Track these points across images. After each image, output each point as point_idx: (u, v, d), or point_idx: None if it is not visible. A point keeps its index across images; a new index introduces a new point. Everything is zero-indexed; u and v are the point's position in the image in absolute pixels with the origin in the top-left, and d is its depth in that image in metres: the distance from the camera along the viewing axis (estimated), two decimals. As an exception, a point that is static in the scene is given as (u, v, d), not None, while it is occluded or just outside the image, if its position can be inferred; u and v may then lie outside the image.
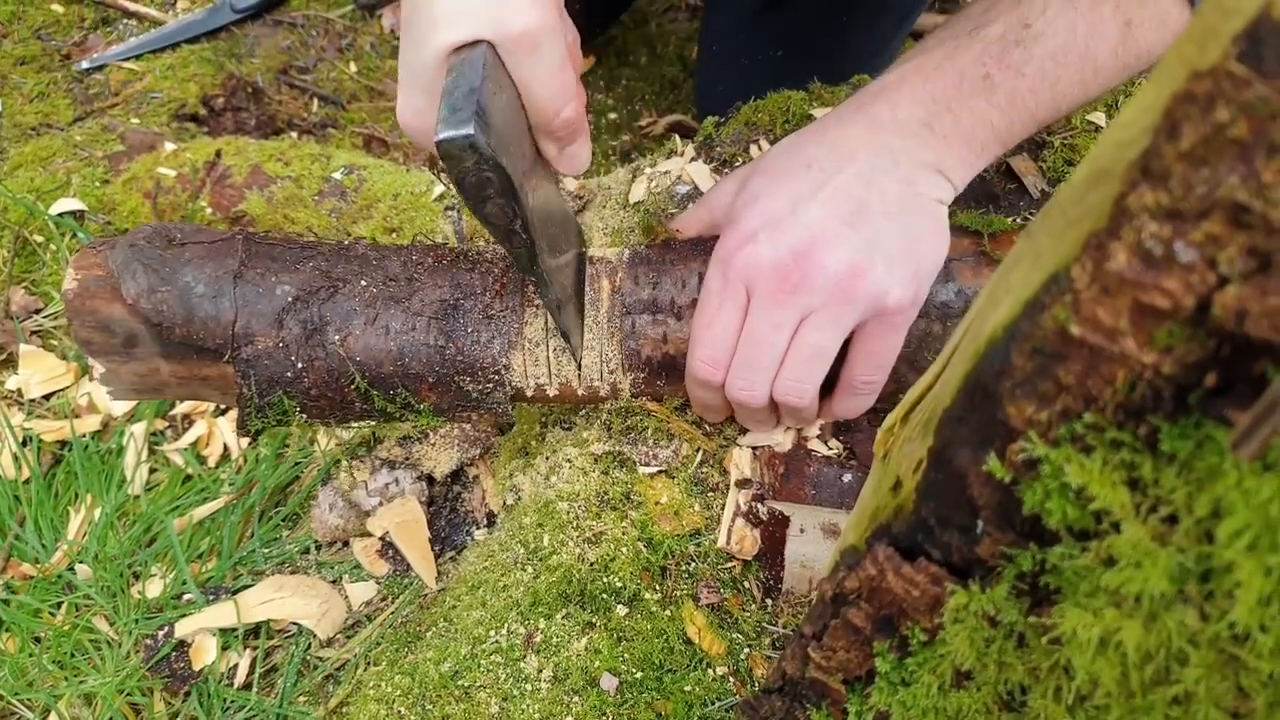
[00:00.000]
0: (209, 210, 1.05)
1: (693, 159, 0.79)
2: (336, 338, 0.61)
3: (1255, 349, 0.21)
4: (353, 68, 1.46)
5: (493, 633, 0.67)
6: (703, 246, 0.64)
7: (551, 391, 0.65)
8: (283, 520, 0.91)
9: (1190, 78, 0.20)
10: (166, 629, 0.83)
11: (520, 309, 0.63)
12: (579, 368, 0.64)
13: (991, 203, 0.74)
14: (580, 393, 0.65)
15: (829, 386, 0.61)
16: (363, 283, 0.62)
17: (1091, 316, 0.23)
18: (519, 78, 0.51)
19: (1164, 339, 0.22)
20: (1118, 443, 0.25)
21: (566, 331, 0.63)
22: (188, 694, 0.80)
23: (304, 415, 0.63)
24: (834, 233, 0.56)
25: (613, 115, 1.50)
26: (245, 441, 0.97)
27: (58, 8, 1.44)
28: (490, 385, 0.63)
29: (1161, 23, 0.58)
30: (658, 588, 0.65)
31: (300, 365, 0.61)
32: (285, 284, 0.61)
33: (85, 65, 1.36)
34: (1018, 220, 0.71)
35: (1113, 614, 0.27)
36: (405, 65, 0.52)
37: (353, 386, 0.61)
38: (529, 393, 0.65)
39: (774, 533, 0.65)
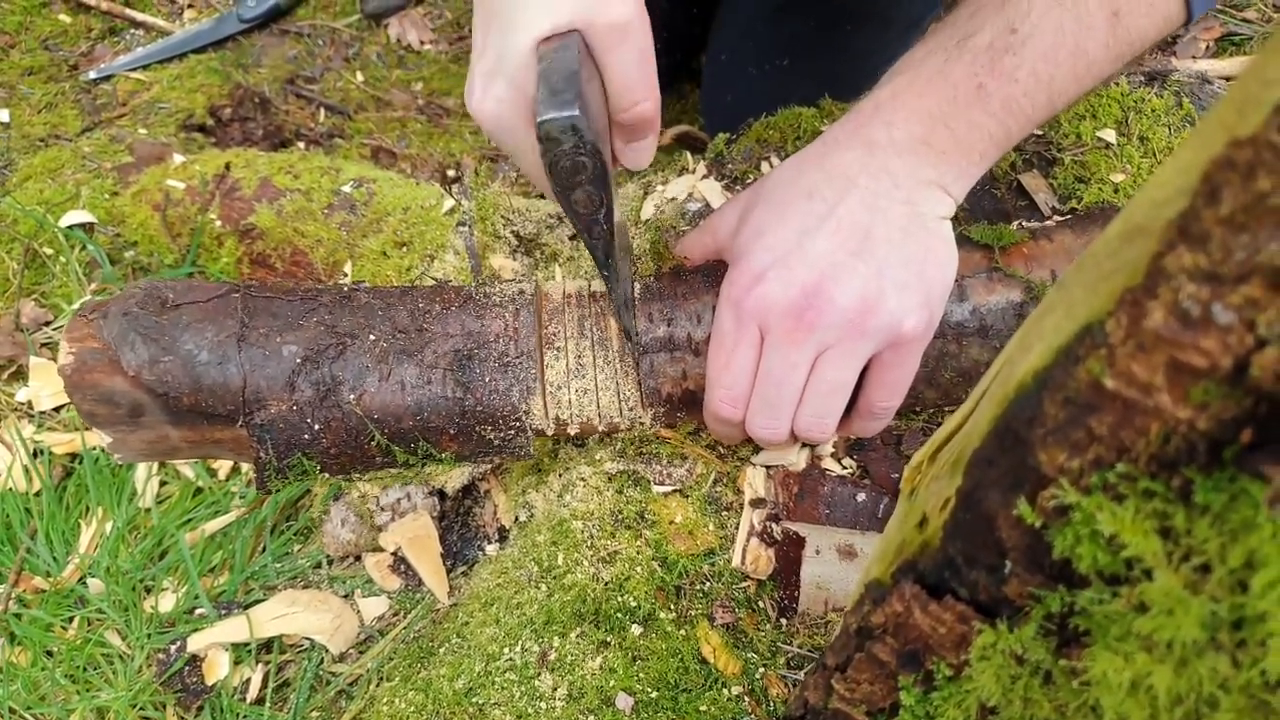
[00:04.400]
0: (218, 223, 1.05)
1: (704, 176, 0.80)
2: (351, 397, 0.60)
3: (1293, 409, 0.21)
4: (359, 77, 1.47)
5: (507, 650, 0.67)
6: (712, 277, 0.64)
7: (573, 430, 0.65)
8: (294, 535, 0.91)
9: (1230, 144, 0.20)
10: (179, 643, 0.83)
11: (535, 353, 0.63)
12: (636, 363, 0.64)
13: (1004, 221, 0.74)
14: (601, 428, 0.66)
15: (846, 408, 0.61)
16: (371, 337, 0.61)
17: (1126, 371, 0.24)
18: (606, 66, 0.51)
19: (1200, 396, 0.23)
20: (1150, 493, 0.25)
21: (630, 330, 0.63)
22: (200, 709, 0.80)
23: (325, 473, 0.62)
24: (843, 266, 0.56)
25: (619, 124, 1.50)
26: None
27: (65, 18, 1.44)
28: (512, 432, 0.63)
29: (1151, 7, 0.58)
30: (672, 607, 0.65)
31: (317, 427, 0.60)
32: (291, 343, 0.59)
33: (93, 75, 1.36)
34: (1026, 233, 0.71)
35: (1144, 658, 0.27)
36: (489, 51, 0.51)
37: (373, 443, 0.61)
38: (549, 431, 0.65)
39: (788, 552, 0.65)
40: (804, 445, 0.69)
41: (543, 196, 1.11)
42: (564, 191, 0.51)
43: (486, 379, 0.61)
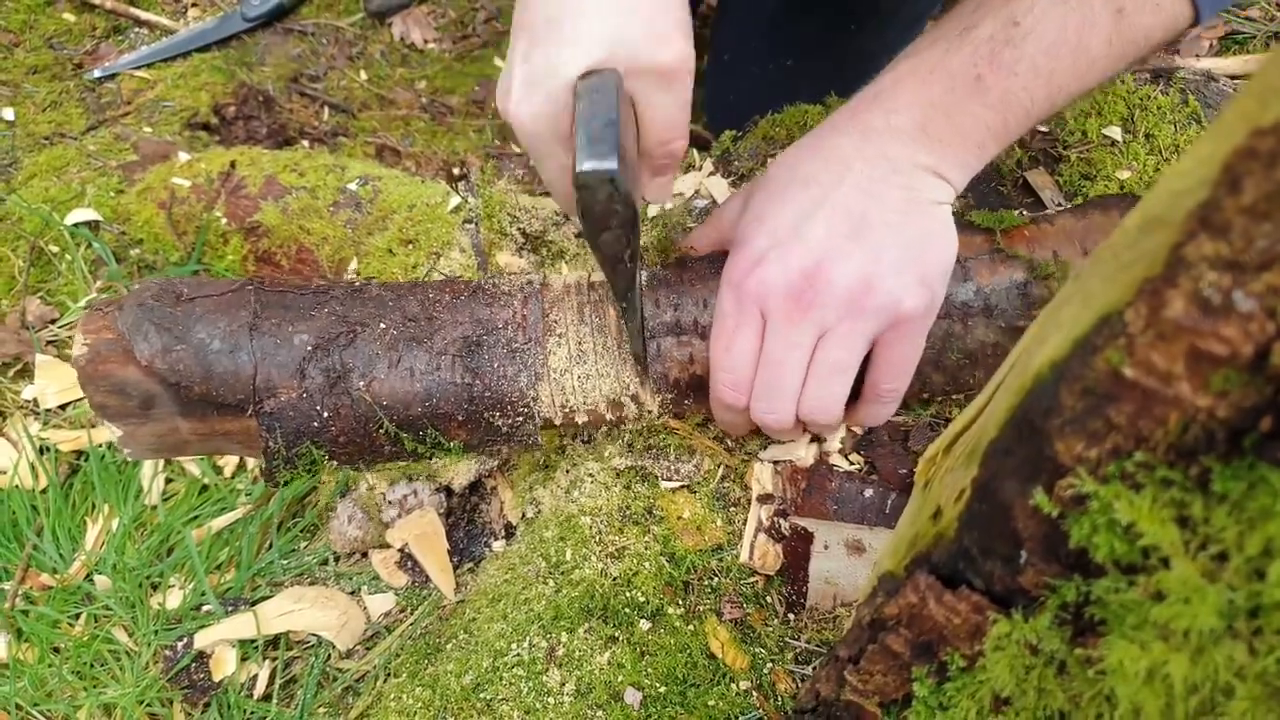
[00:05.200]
0: (224, 221, 1.05)
1: (710, 173, 0.80)
2: (361, 384, 0.60)
3: (1313, 396, 0.21)
4: (363, 76, 1.47)
5: (514, 646, 0.67)
6: (719, 263, 0.64)
7: (580, 418, 0.65)
8: (301, 532, 0.91)
9: (1252, 134, 0.20)
10: (186, 640, 0.83)
11: (543, 340, 0.63)
12: (647, 383, 0.65)
13: (1009, 218, 0.74)
14: (609, 417, 0.66)
15: (852, 395, 0.61)
16: (381, 325, 0.61)
17: (1146, 360, 0.24)
18: (648, 107, 0.51)
19: (1220, 384, 0.23)
20: (1168, 481, 0.25)
21: (639, 354, 0.63)
22: (207, 705, 0.80)
23: (333, 462, 0.62)
24: (839, 248, 0.56)
25: (622, 123, 1.50)
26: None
27: (69, 16, 1.45)
28: (520, 419, 0.63)
29: (1157, 6, 0.58)
30: (680, 603, 0.65)
31: (326, 414, 0.60)
32: (303, 332, 0.60)
33: (97, 74, 1.36)
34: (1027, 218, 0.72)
35: (1160, 647, 0.27)
36: (535, 60, 0.51)
37: (382, 431, 0.61)
38: (557, 420, 0.65)
39: (796, 548, 0.65)
40: (812, 439, 0.69)
41: (549, 194, 1.11)
42: (594, 233, 0.51)
43: (495, 365, 0.62)
